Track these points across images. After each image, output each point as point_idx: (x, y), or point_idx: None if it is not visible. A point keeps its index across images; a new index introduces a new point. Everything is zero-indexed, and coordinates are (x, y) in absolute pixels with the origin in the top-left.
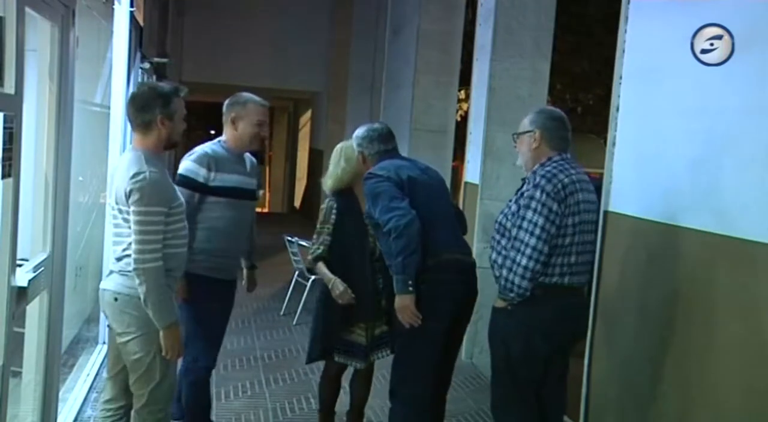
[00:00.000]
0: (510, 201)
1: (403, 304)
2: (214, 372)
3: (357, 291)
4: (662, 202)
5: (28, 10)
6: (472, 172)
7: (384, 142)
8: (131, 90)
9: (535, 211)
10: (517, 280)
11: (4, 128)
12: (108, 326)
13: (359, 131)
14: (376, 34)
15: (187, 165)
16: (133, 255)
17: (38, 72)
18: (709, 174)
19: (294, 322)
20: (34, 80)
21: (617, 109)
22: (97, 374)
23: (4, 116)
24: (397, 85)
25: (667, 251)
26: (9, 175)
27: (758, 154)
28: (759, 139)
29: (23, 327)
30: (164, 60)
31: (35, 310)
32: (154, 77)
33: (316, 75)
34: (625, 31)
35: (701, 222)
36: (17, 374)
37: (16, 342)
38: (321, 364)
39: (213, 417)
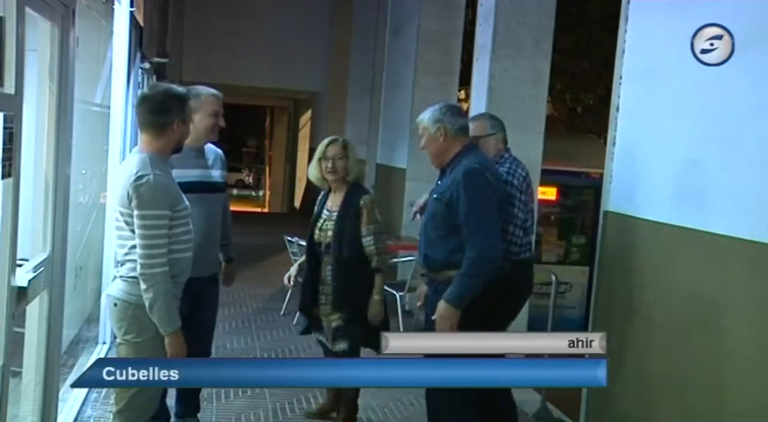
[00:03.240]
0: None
1: (448, 315)
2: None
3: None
4: (662, 201)
5: (28, 10)
6: None
7: (463, 116)
8: (139, 91)
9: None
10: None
11: (4, 128)
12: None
13: (434, 108)
14: (376, 34)
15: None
16: (139, 260)
17: (38, 72)
18: (709, 174)
19: (294, 322)
20: (34, 80)
21: (617, 109)
22: None
23: (4, 116)
24: (397, 84)
25: (667, 251)
26: (9, 175)
27: (758, 154)
28: (759, 139)
29: (23, 327)
30: (164, 60)
31: (35, 310)
32: (154, 77)
33: (316, 75)
34: (625, 31)
35: (701, 223)
36: (17, 374)
37: (16, 342)
38: None
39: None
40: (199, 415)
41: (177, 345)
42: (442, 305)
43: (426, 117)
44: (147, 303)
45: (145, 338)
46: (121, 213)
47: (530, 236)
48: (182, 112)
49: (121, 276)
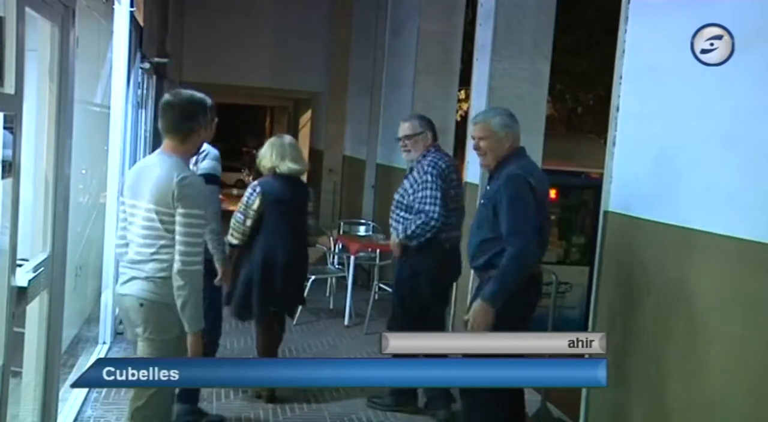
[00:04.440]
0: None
1: (485, 311)
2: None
3: None
4: (662, 202)
5: (28, 10)
6: (472, 172)
7: (518, 125)
8: (166, 97)
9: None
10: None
11: (4, 128)
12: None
13: (502, 113)
14: (376, 34)
15: (211, 164)
16: (179, 258)
17: (38, 72)
18: (709, 174)
19: (294, 322)
20: (34, 80)
21: (617, 109)
22: None
23: (4, 116)
24: (397, 84)
25: (667, 251)
26: (9, 175)
27: (758, 154)
28: (759, 139)
29: (23, 327)
30: (164, 60)
31: (35, 310)
32: (155, 77)
33: (316, 75)
34: (626, 31)
35: (701, 223)
36: (17, 374)
37: (16, 342)
38: None
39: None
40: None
41: (198, 344)
42: (477, 303)
43: (494, 121)
44: (180, 301)
45: (170, 337)
46: (157, 213)
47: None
48: (205, 118)
49: (147, 277)
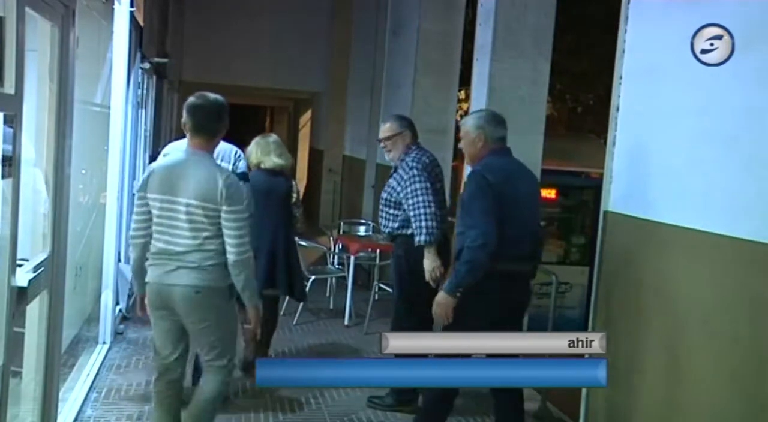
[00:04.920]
0: None
1: (445, 302)
2: None
3: None
4: (662, 202)
5: (28, 10)
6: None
7: (503, 127)
8: (194, 99)
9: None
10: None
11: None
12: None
13: (478, 115)
14: (376, 34)
15: (244, 164)
16: (233, 249)
17: (38, 72)
18: (709, 174)
19: (294, 322)
20: (34, 80)
21: (617, 109)
22: (97, 374)
23: (5, 116)
24: (397, 85)
25: (667, 251)
26: (9, 175)
27: (758, 153)
28: (759, 139)
29: (23, 327)
30: (164, 60)
31: (35, 310)
32: (155, 77)
33: (316, 75)
34: (626, 31)
35: (701, 223)
36: (17, 374)
37: (16, 342)
38: None
39: None
40: None
41: (258, 315)
42: (439, 294)
43: (468, 122)
44: (240, 285)
45: (227, 318)
46: (203, 209)
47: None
48: (227, 119)
49: (197, 266)
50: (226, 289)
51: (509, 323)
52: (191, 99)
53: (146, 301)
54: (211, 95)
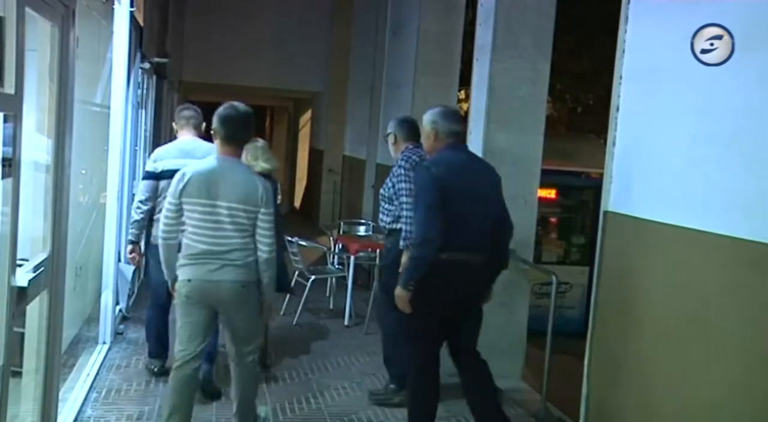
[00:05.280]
0: None
1: (401, 295)
2: (214, 373)
3: None
4: (662, 202)
5: (28, 10)
6: None
7: (457, 122)
8: (226, 110)
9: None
10: None
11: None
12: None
13: (433, 110)
14: (376, 34)
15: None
16: (266, 249)
17: (38, 72)
18: (709, 174)
19: (294, 322)
20: (34, 80)
21: (617, 109)
22: (97, 374)
23: (5, 116)
24: (397, 85)
25: (667, 251)
26: (9, 175)
27: (758, 153)
28: (759, 139)
29: (23, 327)
30: (164, 60)
31: (35, 310)
32: (155, 77)
33: (316, 75)
34: (625, 31)
35: (701, 223)
36: (17, 374)
37: (16, 342)
38: (322, 365)
39: None
40: (199, 415)
41: (273, 309)
42: (398, 289)
43: (425, 117)
44: (266, 281)
45: (255, 306)
46: (245, 211)
47: None
48: (254, 126)
49: (242, 264)
50: (258, 283)
51: (464, 309)
52: (222, 109)
53: (182, 296)
54: (241, 106)
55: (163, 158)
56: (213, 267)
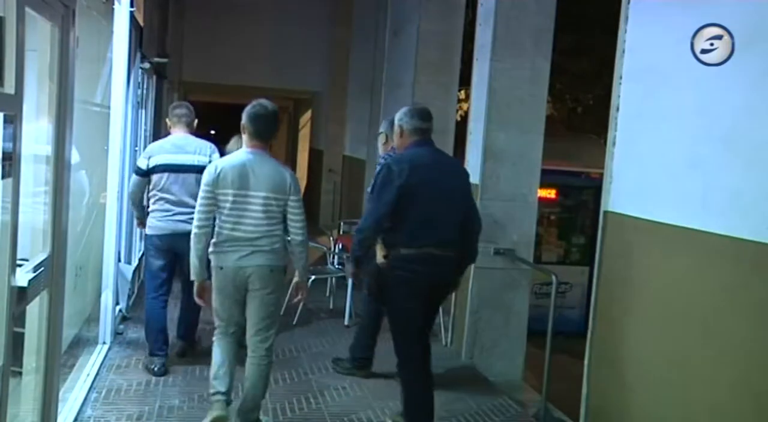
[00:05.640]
0: None
1: (350, 270)
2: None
3: None
4: (662, 201)
5: (28, 10)
6: (472, 173)
7: (422, 120)
8: (254, 108)
9: None
10: None
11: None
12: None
13: (403, 110)
14: (376, 34)
15: None
16: (299, 231)
17: (38, 72)
18: (709, 174)
19: (294, 322)
20: (34, 80)
21: (617, 109)
22: (97, 374)
23: (5, 116)
24: (397, 85)
25: (667, 251)
26: (9, 175)
27: (758, 153)
28: (759, 139)
29: (23, 327)
30: (164, 60)
31: (35, 310)
32: (155, 77)
33: (316, 75)
34: (626, 31)
35: (701, 223)
36: (17, 374)
37: (16, 342)
38: (322, 365)
39: None
40: (199, 415)
41: (307, 288)
42: (346, 266)
43: (395, 116)
44: (302, 262)
45: (281, 288)
46: (275, 200)
47: None
48: (279, 123)
49: (270, 250)
50: (284, 269)
51: (432, 299)
52: (251, 108)
53: (216, 283)
54: (269, 104)
55: (156, 153)
56: (244, 254)
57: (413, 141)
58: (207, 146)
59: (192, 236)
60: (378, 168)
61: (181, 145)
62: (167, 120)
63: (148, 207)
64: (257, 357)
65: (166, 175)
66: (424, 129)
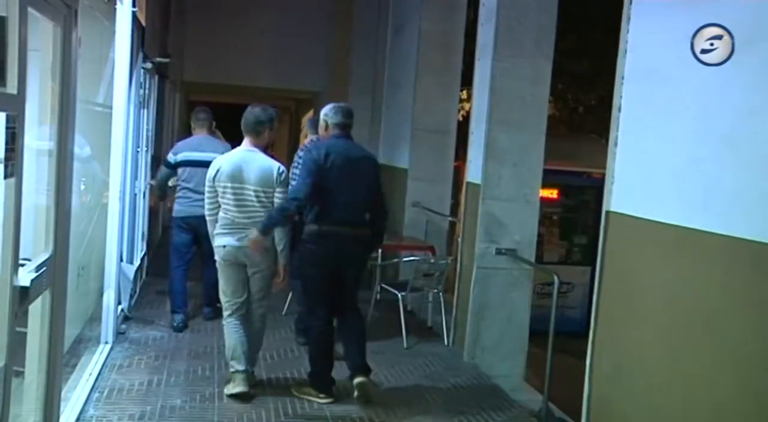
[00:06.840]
0: None
1: (257, 240)
2: (215, 373)
3: None
4: (663, 202)
5: (30, 10)
6: (474, 172)
7: (344, 117)
8: (247, 110)
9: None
10: None
11: (7, 128)
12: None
13: (328, 106)
14: (377, 33)
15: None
16: (281, 200)
17: (41, 72)
18: (709, 174)
19: (294, 322)
20: (36, 80)
21: (619, 109)
22: (99, 374)
23: (7, 116)
24: (398, 85)
25: (668, 251)
26: (11, 175)
27: (758, 154)
28: (759, 139)
29: (25, 326)
30: (166, 60)
31: (37, 310)
32: (156, 77)
33: (317, 75)
34: (627, 31)
35: (702, 223)
36: (20, 374)
37: (18, 342)
38: None
39: None
40: (200, 415)
41: (286, 271)
42: (254, 232)
43: (321, 111)
44: (281, 246)
45: (271, 265)
46: (264, 192)
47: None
48: (272, 125)
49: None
50: (275, 251)
51: (339, 271)
52: (244, 114)
53: (220, 260)
54: (256, 108)
55: (182, 150)
56: (241, 236)
57: (334, 133)
58: (220, 146)
59: (207, 221)
60: (300, 153)
61: (201, 144)
62: (191, 122)
63: (174, 193)
64: (254, 321)
65: (188, 169)
66: (345, 124)
